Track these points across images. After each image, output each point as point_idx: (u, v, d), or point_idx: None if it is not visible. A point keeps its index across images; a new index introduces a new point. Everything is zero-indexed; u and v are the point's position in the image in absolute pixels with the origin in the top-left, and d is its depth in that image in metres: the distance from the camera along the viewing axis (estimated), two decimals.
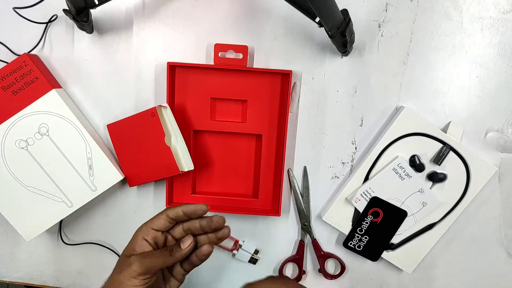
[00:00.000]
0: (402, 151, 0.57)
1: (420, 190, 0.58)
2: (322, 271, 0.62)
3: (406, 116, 0.56)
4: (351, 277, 0.63)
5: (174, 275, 0.48)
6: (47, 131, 0.56)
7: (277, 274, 0.63)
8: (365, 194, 0.58)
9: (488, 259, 0.62)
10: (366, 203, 0.58)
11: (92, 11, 0.52)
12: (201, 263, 0.48)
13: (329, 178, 0.61)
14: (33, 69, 0.55)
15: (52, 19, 0.58)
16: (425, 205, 0.58)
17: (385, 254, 0.60)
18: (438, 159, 0.56)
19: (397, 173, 0.57)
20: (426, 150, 0.57)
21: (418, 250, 0.60)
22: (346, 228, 0.60)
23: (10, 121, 0.56)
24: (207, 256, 0.47)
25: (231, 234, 0.49)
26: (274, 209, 0.60)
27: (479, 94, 0.58)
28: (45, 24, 0.57)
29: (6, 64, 0.56)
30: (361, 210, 0.58)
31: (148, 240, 0.45)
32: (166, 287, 0.48)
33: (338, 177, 0.61)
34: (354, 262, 0.63)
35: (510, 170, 0.59)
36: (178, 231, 0.47)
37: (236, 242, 0.62)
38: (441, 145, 0.57)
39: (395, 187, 0.58)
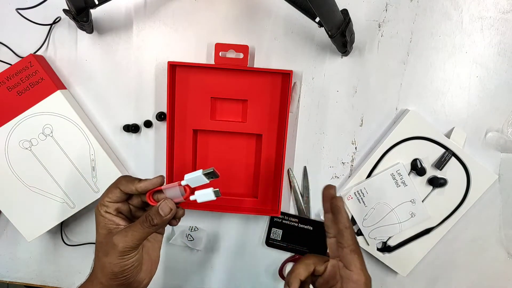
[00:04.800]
0: (405, 154, 0.57)
1: (412, 201, 0.58)
2: None
3: (410, 119, 0.56)
4: None
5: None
6: (51, 132, 0.56)
7: (277, 274, 0.63)
8: (359, 193, 0.58)
9: (488, 259, 0.62)
10: (358, 202, 0.58)
11: (92, 11, 0.52)
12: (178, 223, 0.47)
13: (329, 178, 0.61)
14: (39, 70, 0.55)
15: (56, 21, 0.58)
16: (413, 216, 0.58)
17: (382, 256, 0.60)
18: (440, 164, 0.56)
19: (394, 179, 0.57)
20: (428, 154, 0.57)
21: (414, 254, 0.60)
22: None
23: (14, 121, 0.56)
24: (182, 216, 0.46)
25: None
26: (274, 209, 0.60)
27: (479, 94, 0.58)
28: (49, 26, 0.58)
29: (8, 65, 0.56)
30: (352, 209, 0.58)
31: (111, 212, 0.44)
32: (149, 239, 0.47)
33: (338, 177, 0.61)
34: None
35: (510, 170, 0.59)
36: (136, 200, 0.46)
37: (186, 189, 0.43)
38: (443, 150, 0.57)
39: (389, 192, 0.58)
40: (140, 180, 0.44)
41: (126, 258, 0.43)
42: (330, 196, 0.46)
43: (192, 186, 0.43)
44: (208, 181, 0.42)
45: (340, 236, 0.44)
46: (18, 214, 0.58)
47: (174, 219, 0.46)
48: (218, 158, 0.61)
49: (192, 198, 0.43)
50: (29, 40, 0.58)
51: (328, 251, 0.46)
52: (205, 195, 0.43)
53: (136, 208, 0.46)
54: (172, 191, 0.43)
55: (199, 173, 0.42)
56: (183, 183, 0.43)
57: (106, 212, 0.44)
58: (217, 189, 0.43)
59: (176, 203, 0.43)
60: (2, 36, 0.58)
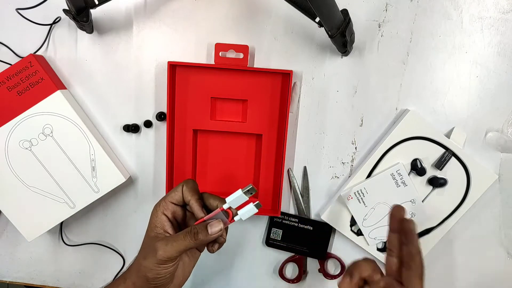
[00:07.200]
0: (404, 154, 0.57)
1: (412, 201, 0.58)
2: (322, 271, 0.62)
3: (410, 119, 0.56)
4: None
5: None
6: (51, 132, 0.56)
7: (277, 274, 0.63)
8: (359, 194, 0.58)
9: (488, 259, 0.62)
10: (358, 202, 0.58)
11: (92, 11, 0.52)
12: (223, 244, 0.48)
13: (329, 178, 0.61)
14: (39, 70, 0.55)
15: (56, 21, 0.58)
16: (413, 216, 0.58)
17: (382, 256, 0.60)
18: (440, 164, 0.56)
19: (394, 179, 0.57)
20: (428, 154, 0.57)
21: None
22: (345, 228, 0.60)
23: (14, 121, 0.56)
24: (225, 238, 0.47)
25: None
26: (274, 209, 0.60)
27: (479, 94, 0.58)
28: (49, 26, 0.57)
29: (8, 65, 0.56)
30: (352, 209, 0.58)
31: (167, 215, 0.45)
32: (188, 255, 0.49)
33: (338, 177, 0.61)
34: None
35: (510, 170, 0.59)
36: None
37: (229, 212, 0.46)
38: (443, 150, 0.57)
39: (389, 192, 0.58)
40: (198, 199, 0.45)
41: (162, 268, 0.43)
42: (400, 218, 0.46)
43: (234, 207, 0.45)
44: (247, 198, 0.44)
45: (410, 259, 0.44)
46: (18, 214, 0.58)
47: (217, 243, 0.46)
48: (218, 158, 0.61)
49: (236, 218, 0.45)
50: (29, 40, 0.58)
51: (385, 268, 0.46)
52: (249, 211, 0.45)
53: (191, 215, 0.48)
54: (215, 218, 0.45)
55: (239, 192, 0.44)
56: (225, 206, 0.45)
57: (163, 213, 0.45)
58: (257, 201, 0.45)
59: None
60: (2, 36, 0.58)
